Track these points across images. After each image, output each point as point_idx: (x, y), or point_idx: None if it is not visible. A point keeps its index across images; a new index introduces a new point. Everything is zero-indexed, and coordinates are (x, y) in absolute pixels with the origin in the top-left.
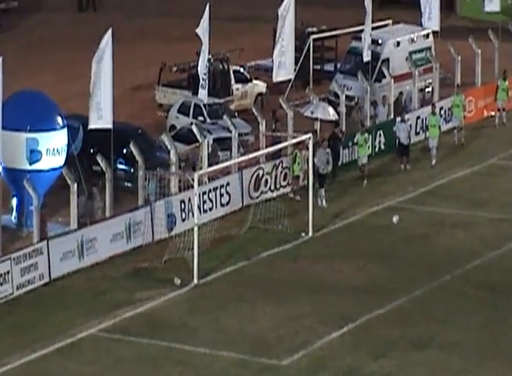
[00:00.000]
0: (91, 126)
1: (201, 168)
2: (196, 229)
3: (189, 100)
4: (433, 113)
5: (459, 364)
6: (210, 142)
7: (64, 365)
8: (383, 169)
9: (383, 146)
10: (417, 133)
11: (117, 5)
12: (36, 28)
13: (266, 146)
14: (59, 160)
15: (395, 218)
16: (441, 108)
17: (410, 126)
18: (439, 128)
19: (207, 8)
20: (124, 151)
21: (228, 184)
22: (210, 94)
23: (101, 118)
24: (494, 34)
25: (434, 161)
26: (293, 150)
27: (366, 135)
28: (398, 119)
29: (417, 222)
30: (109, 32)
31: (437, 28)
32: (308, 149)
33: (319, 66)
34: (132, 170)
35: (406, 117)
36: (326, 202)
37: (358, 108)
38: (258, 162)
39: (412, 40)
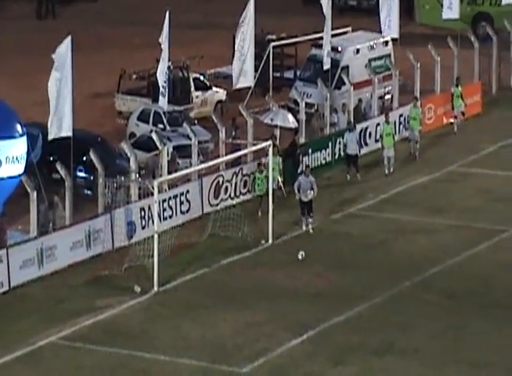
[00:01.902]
0: (51, 137)
1: (161, 176)
2: (156, 236)
3: (149, 108)
4: (387, 121)
5: (420, 371)
6: (170, 149)
7: (24, 373)
8: (343, 176)
9: (342, 154)
10: (377, 140)
11: (77, 13)
12: None
13: (226, 154)
14: (18, 169)
15: (300, 255)
16: (400, 115)
17: (370, 134)
18: (393, 137)
19: (167, 16)
20: (84, 159)
21: (188, 191)
22: (170, 101)
23: (61, 127)
24: (453, 41)
25: (388, 170)
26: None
27: (279, 158)
28: (352, 127)
29: (377, 229)
30: (69, 39)
31: (396, 35)
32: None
33: (278, 74)
34: (92, 178)
35: (366, 124)
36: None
37: (318, 115)
38: (218, 170)
39: (372, 47)
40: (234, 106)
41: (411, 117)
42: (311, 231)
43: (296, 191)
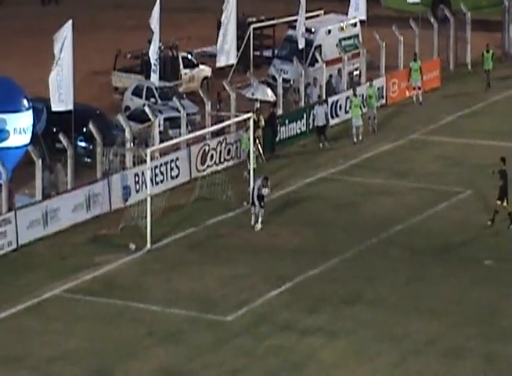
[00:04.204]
0: (54, 109)
1: (153, 145)
2: (149, 199)
3: (142, 84)
4: (354, 94)
5: (385, 318)
6: (161, 121)
7: (31, 323)
8: (316, 144)
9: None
10: (347, 112)
11: None
12: (1, 21)
13: (212, 125)
14: (25, 139)
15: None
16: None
17: (342, 106)
18: (361, 108)
19: (158, 0)
20: (84, 130)
21: (177, 159)
22: (161, 78)
23: (63, 101)
24: (415, 22)
25: (356, 139)
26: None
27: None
28: (322, 101)
29: (347, 192)
30: (70, 23)
31: (364, 17)
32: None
33: (258, 53)
34: (91, 147)
35: (336, 97)
36: (261, 224)
37: (293, 90)
38: (204, 139)
39: (342, 28)
40: (219, 81)
41: (368, 95)
42: (259, 227)
43: (253, 191)
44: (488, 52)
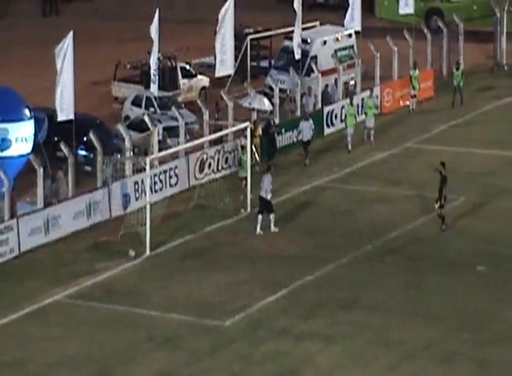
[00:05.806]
0: (60, 119)
1: (152, 153)
2: (148, 206)
3: (142, 93)
4: (351, 103)
5: (381, 323)
6: (161, 130)
7: (32, 328)
8: (311, 153)
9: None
10: (342, 121)
11: (76, 10)
12: (3, 31)
13: (210, 134)
14: (27, 148)
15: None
16: (362, 99)
17: (336, 115)
18: (355, 117)
19: (157, 11)
20: (85, 139)
21: (176, 167)
22: (160, 88)
23: (64, 111)
24: (408, 33)
25: (352, 147)
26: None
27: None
28: (307, 117)
29: (342, 199)
30: (71, 34)
31: (359, 28)
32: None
33: (255, 63)
34: (92, 155)
35: (332, 107)
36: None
37: (290, 99)
38: (203, 147)
39: (337, 39)
40: (216, 91)
41: (367, 106)
42: (276, 229)
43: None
44: (457, 69)
